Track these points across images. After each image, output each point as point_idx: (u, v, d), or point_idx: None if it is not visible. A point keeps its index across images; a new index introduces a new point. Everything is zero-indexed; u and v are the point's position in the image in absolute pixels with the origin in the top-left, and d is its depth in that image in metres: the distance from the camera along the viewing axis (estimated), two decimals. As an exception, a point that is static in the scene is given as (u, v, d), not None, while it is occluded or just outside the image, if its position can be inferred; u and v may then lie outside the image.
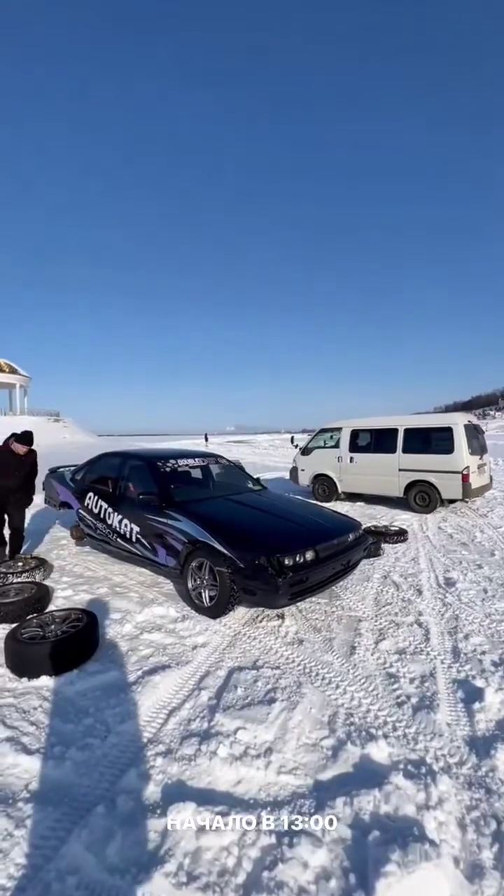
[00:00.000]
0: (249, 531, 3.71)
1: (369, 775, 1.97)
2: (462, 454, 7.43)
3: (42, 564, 4.76)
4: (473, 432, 8.10)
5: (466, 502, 8.34)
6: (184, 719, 2.38)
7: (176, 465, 4.77)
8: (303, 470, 9.86)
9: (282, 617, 3.62)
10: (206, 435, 48.24)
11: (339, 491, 9.10)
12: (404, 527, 6.70)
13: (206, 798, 1.85)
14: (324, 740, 2.21)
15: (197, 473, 5.16)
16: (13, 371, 55.95)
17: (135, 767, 2.02)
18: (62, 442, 41.34)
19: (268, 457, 25.12)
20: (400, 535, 5.98)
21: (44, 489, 6.29)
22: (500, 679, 2.70)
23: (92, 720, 2.38)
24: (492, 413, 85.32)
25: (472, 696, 2.56)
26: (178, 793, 1.89)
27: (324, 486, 9.37)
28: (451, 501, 8.02)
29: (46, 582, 4.57)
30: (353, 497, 9.23)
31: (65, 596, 4.18)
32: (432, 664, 2.92)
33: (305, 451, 9.86)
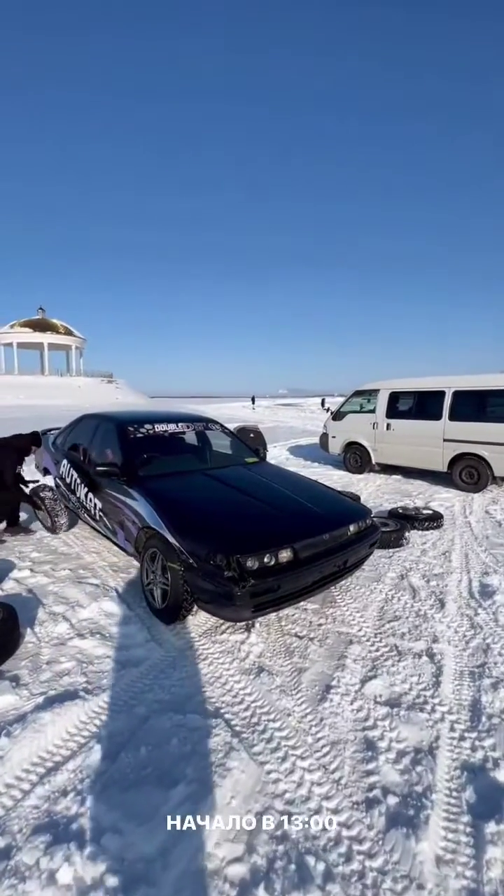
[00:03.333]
0: (208, 519, 2.89)
1: None
2: (524, 423, 6.04)
3: None
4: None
5: (526, 481, 6.96)
6: (53, 792, 1.69)
7: (150, 431, 3.98)
8: (334, 437, 8.79)
9: (249, 629, 2.84)
10: (252, 397, 47.33)
11: (373, 461, 7.99)
12: (441, 509, 5.59)
13: None
14: (230, 866, 1.43)
15: (176, 441, 4.35)
16: (69, 333, 57.48)
17: None
18: (113, 403, 42.33)
19: (312, 420, 23.84)
20: (432, 521, 4.91)
21: (32, 453, 5.82)
22: (537, 774, 1.76)
23: None
24: None
25: (487, 805, 1.65)
26: None
27: (356, 455, 8.28)
28: (506, 479, 6.71)
29: (11, 558, 4.11)
30: (388, 469, 8.11)
31: (18, 577, 3.66)
32: (436, 730, 2.01)
33: (337, 416, 8.75)
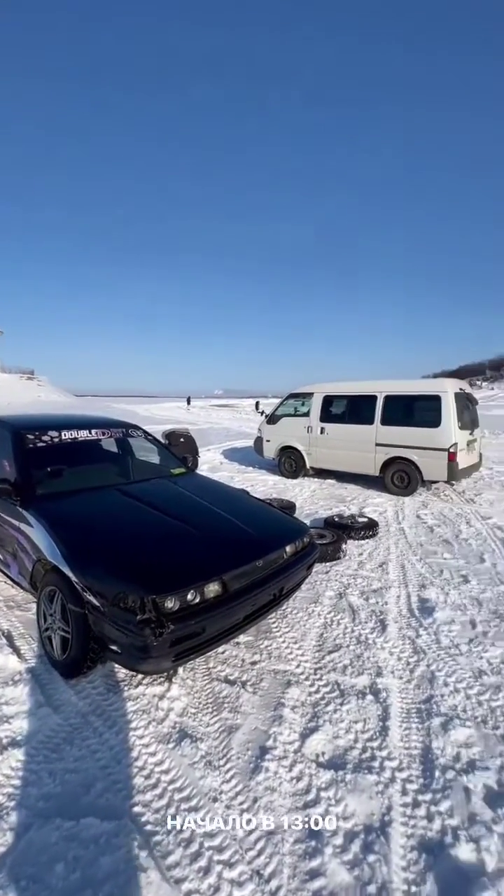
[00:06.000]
0: (118, 549, 2.40)
1: None
2: (450, 428, 6.16)
3: None
4: (465, 402, 6.83)
5: (452, 485, 7.19)
6: None
7: (55, 439, 3.36)
8: (268, 441, 8.54)
9: (170, 677, 2.39)
10: (188, 398, 46.47)
11: (308, 466, 7.85)
12: (375, 515, 5.51)
13: None
14: None
15: (89, 451, 3.75)
16: (-18, 324, 52.35)
17: None
18: (35, 402, 39.15)
19: (247, 422, 23.64)
20: (368, 529, 4.77)
21: None
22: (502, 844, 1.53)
23: None
24: (478, 383, 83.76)
25: (451, 899, 1.37)
26: None
27: (290, 459, 8.10)
28: (434, 482, 6.86)
29: None
30: (322, 474, 8.01)
31: None
32: (387, 797, 1.72)
33: (272, 420, 8.51)
